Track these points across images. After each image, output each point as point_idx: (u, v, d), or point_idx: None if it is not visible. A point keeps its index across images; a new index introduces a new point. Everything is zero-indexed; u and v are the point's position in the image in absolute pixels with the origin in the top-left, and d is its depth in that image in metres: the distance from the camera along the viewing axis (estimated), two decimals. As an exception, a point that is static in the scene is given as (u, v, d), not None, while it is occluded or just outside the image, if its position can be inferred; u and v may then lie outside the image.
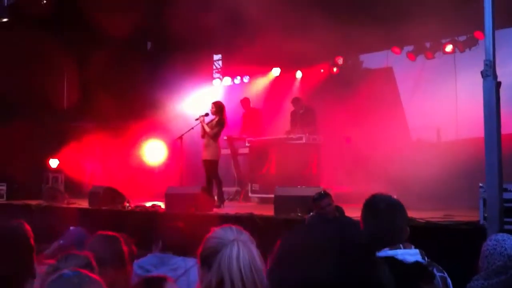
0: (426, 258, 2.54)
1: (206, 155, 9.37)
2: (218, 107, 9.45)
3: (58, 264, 2.49)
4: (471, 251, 4.64)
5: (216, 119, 9.35)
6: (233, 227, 2.02)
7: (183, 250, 3.78)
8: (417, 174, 9.51)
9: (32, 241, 2.49)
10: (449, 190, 8.25)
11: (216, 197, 9.26)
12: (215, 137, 9.39)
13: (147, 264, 3.80)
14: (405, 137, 13.93)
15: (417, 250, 2.55)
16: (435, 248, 4.74)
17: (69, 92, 13.62)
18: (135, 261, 3.85)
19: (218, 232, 1.98)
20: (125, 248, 3.26)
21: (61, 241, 4.17)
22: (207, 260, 1.94)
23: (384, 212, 2.61)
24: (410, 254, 2.51)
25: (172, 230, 4.12)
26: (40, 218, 9.35)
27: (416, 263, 2.28)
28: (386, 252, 2.46)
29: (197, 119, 9.54)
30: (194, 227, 4.67)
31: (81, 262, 2.46)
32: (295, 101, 10.83)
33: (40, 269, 2.80)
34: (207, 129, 9.25)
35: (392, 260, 2.36)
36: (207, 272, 1.91)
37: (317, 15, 10.89)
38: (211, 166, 9.38)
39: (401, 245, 2.54)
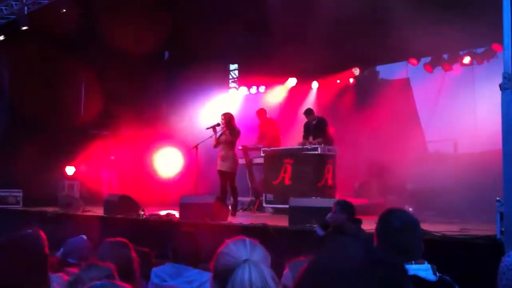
0: (437, 274, 2.52)
1: (224, 166, 9.51)
2: (228, 118, 9.58)
3: (81, 274, 2.49)
4: (488, 266, 4.57)
5: (227, 130, 9.48)
6: (247, 240, 1.99)
7: (195, 258, 3.76)
8: (433, 187, 9.43)
9: (46, 249, 2.49)
10: (466, 204, 8.15)
11: (230, 206, 9.34)
12: (231, 146, 9.53)
13: (163, 273, 3.79)
14: (422, 149, 13.82)
15: (429, 266, 2.53)
16: (451, 263, 4.68)
17: (86, 101, 13.73)
18: (153, 269, 3.85)
19: (231, 248, 1.96)
20: (134, 255, 3.25)
21: (61, 250, 4.17)
22: (220, 276, 1.93)
23: (399, 231, 2.59)
24: (422, 270, 2.49)
25: (183, 236, 4.11)
26: (56, 225, 9.41)
27: (440, 280, 2.25)
28: None
29: (208, 128, 9.72)
30: (208, 236, 4.67)
31: (103, 273, 2.46)
32: (308, 112, 10.81)
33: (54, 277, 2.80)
34: (229, 137, 9.41)
35: (415, 278, 2.35)
36: None
37: (334, 26, 10.88)
38: (230, 178, 9.60)
39: (413, 263, 2.51)
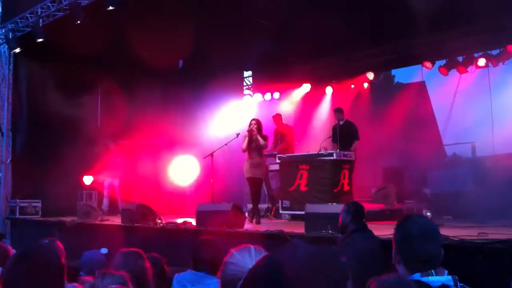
0: (458, 284, 2.42)
1: (258, 173, 9.41)
2: (259, 124, 9.45)
3: (95, 282, 2.53)
4: (507, 270, 4.53)
5: (259, 136, 9.27)
6: (251, 248, 2.00)
7: (215, 265, 3.77)
8: (451, 191, 9.36)
9: (63, 260, 2.52)
10: (484, 207, 8.06)
11: (252, 215, 9.42)
12: (261, 152, 9.49)
13: (184, 279, 3.83)
14: (439, 153, 13.73)
15: (449, 277, 2.42)
16: (469, 267, 4.65)
17: (103, 111, 13.85)
18: (176, 275, 3.87)
19: (236, 257, 1.98)
20: (148, 265, 3.27)
21: (81, 273, 4.19)
22: (227, 286, 1.96)
23: (418, 239, 2.49)
24: (442, 282, 2.39)
25: (203, 244, 4.12)
26: (74, 234, 9.49)
27: (443, 286, 2.21)
28: (417, 278, 2.37)
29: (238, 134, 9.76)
30: (224, 243, 4.68)
31: (117, 281, 2.49)
32: (337, 110, 10.99)
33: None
34: (262, 141, 9.25)
35: (420, 283, 2.31)
36: None
37: (347, 31, 10.88)
38: (260, 184, 9.60)
39: (433, 272, 2.42)
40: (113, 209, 12.03)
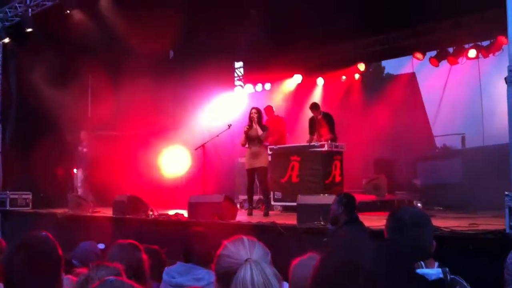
0: (449, 276, 2.44)
1: (257, 163, 9.13)
2: (259, 113, 9.24)
3: (90, 274, 2.53)
4: (498, 260, 4.57)
5: (258, 126, 9.06)
6: (245, 239, 1.99)
7: (207, 257, 3.77)
8: (442, 182, 9.42)
9: (60, 251, 2.53)
10: (474, 198, 8.13)
11: (260, 206, 9.29)
12: (261, 142, 9.21)
13: (173, 271, 3.84)
14: (429, 143, 13.81)
15: (439, 270, 2.44)
16: (460, 258, 4.68)
17: (93, 101, 13.78)
18: (166, 268, 3.89)
19: (230, 249, 1.97)
20: (144, 256, 3.28)
21: (74, 261, 4.19)
22: (222, 278, 1.95)
23: (409, 228, 2.52)
24: (432, 274, 2.41)
25: (193, 235, 4.13)
26: (65, 226, 9.47)
27: (439, 280, 2.23)
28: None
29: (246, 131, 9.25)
30: (216, 235, 4.68)
31: (111, 272, 2.50)
32: (313, 106, 10.73)
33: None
34: (260, 131, 8.98)
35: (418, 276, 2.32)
36: None
37: (338, 21, 10.85)
38: (263, 173, 9.28)
39: (422, 264, 2.45)
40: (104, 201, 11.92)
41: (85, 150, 12.42)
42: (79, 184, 12.34)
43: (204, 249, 3.80)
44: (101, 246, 4.57)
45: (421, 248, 2.49)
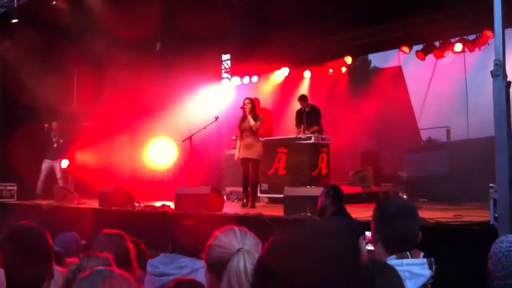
0: (434, 267, 2.47)
1: (249, 154, 8.92)
2: (252, 103, 9.07)
3: (81, 263, 2.55)
4: (482, 251, 4.62)
5: (251, 116, 8.91)
6: (236, 229, 2.01)
7: (194, 250, 3.79)
8: (427, 174, 9.49)
9: (50, 241, 2.54)
10: (459, 190, 8.20)
11: (248, 198, 8.94)
12: (255, 132, 9.00)
13: (156, 262, 3.87)
14: (415, 136, 13.91)
15: (424, 260, 2.48)
16: (445, 249, 4.74)
17: (78, 93, 13.69)
18: (149, 261, 3.90)
19: (222, 240, 1.98)
20: (130, 245, 3.29)
21: (56, 248, 4.18)
22: (214, 268, 1.96)
23: (395, 217, 2.56)
24: (417, 265, 2.45)
25: (182, 229, 4.14)
26: (51, 218, 9.41)
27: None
28: (392, 261, 2.40)
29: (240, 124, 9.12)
30: (204, 227, 4.69)
31: (102, 262, 2.52)
32: (302, 98, 10.73)
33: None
34: (252, 122, 8.82)
35: (409, 274, 2.35)
36: (217, 281, 1.93)
37: (325, 14, 10.87)
38: (254, 165, 8.98)
39: (408, 253, 2.48)
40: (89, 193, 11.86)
41: (61, 141, 12.28)
42: (59, 176, 12.21)
43: (191, 242, 3.81)
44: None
45: (407, 239, 2.53)
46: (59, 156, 12.31)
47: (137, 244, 4.17)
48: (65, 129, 12.53)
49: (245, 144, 9.00)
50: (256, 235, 2.04)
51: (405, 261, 2.44)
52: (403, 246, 2.49)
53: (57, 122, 12.40)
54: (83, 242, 4.73)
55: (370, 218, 2.70)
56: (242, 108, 9.03)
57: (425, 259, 2.49)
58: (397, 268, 2.19)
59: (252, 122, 8.90)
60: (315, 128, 10.15)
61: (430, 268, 2.45)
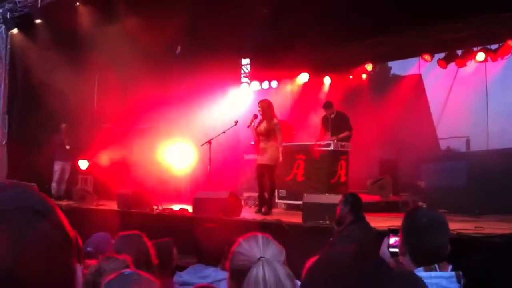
0: (462, 281, 2.42)
1: (262, 159, 8.77)
2: (265, 106, 8.85)
3: (101, 265, 2.55)
4: (504, 264, 4.58)
5: (269, 121, 8.73)
6: (259, 237, 2.00)
7: (218, 253, 3.79)
8: (445, 184, 9.41)
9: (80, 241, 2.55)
10: (479, 201, 8.13)
11: (263, 205, 8.83)
12: (271, 136, 8.75)
13: (183, 272, 3.90)
14: (434, 145, 13.79)
15: (453, 273, 2.43)
16: (466, 261, 4.69)
17: (99, 95, 13.80)
18: (177, 272, 3.91)
19: (244, 247, 1.98)
20: (150, 247, 3.29)
21: (88, 248, 4.21)
22: (236, 275, 1.96)
23: (425, 229, 2.51)
24: (444, 278, 2.39)
25: (205, 232, 4.14)
26: (70, 219, 9.47)
27: None
28: (420, 273, 2.33)
29: (249, 126, 8.97)
30: (224, 231, 4.70)
31: (120, 264, 2.52)
32: (327, 105, 10.66)
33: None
34: (265, 125, 8.67)
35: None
36: None
37: (348, 21, 10.85)
38: (267, 171, 8.81)
39: (436, 266, 2.43)
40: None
41: (67, 147, 12.27)
42: (55, 178, 12.21)
43: (214, 246, 3.82)
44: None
45: (435, 252, 2.48)
46: (70, 158, 12.39)
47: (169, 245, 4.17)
48: (74, 131, 12.58)
49: (261, 149, 8.92)
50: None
51: (433, 273, 2.40)
52: (431, 259, 2.45)
53: (66, 124, 12.39)
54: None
55: (391, 227, 2.66)
56: (259, 112, 8.98)
57: (453, 272, 2.44)
58: (425, 281, 2.17)
59: (264, 125, 8.74)
60: (346, 133, 10.09)
61: (459, 281, 2.40)
